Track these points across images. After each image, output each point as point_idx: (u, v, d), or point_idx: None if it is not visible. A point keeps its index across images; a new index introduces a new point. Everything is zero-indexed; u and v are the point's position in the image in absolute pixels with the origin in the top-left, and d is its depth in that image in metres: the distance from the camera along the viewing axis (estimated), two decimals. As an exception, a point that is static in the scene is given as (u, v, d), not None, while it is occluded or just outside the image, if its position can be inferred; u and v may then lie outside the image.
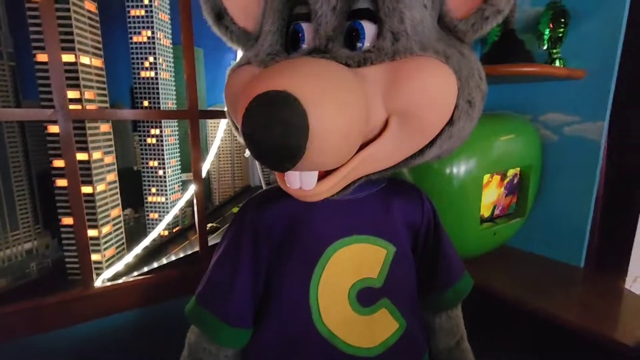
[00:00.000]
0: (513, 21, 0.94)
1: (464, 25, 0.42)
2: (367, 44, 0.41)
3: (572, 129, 0.96)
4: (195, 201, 0.93)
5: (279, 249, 0.49)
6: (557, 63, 0.91)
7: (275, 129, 0.31)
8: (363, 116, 0.36)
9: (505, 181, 0.97)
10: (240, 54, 0.52)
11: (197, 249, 0.98)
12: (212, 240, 0.98)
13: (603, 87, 0.88)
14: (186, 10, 0.84)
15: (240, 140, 0.50)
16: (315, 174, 0.39)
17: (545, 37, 0.90)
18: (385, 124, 0.40)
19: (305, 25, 0.43)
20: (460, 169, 0.85)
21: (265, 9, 0.47)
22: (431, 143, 0.42)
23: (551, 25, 0.89)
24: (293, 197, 0.43)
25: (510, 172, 0.97)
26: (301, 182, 0.39)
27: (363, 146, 0.40)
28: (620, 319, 0.78)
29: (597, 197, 0.95)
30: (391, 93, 0.38)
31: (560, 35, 0.89)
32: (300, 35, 0.43)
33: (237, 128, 0.48)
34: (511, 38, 0.93)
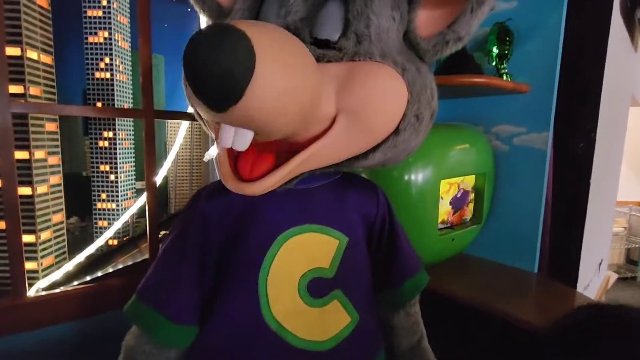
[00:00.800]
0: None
1: (426, 44, 0.44)
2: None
3: (520, 139, 1.02)
4: (147, 201, 0.87)
5: (230, 239, 0.47)
6: (505, 77, 0.97)
7: (221, 53, 0.28)
8: (309, 91, 0.35)
9: (449, 197, 1.00)
10: None
11: (147, 256, 0.91)
12: (164, 247, 0.90)
13: (546, 100, 0.95)
14: (144, 3, 0.79)
15: (204, 128, 0.48)
16: (250, 135, 0.35)
17: (493, 54, 0.97)
18: (332, 122, 0.40)
19: (275, 8, 0.43)
20: (418, 175, 0.87)
21: None
22: (375, 148, 0.44)
23: (498, 43, 0.95)
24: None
25: (454, 189, 1.00)
26: (234, 140, 0.36)
27: (308, 143, 0.40)
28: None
29: (546, 204, 1.00)
30: (344, 90, 0.39)
31: (506, 52, 0.96)
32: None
33: (200, 116, 0.46)
34: (462, 53, 0.99)
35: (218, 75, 0.29)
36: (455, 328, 0.90)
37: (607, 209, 1.68)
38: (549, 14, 0.93)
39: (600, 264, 1.55)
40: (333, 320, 0.49)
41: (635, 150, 3.07)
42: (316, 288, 0.48)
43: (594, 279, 1.40)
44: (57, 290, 0.79)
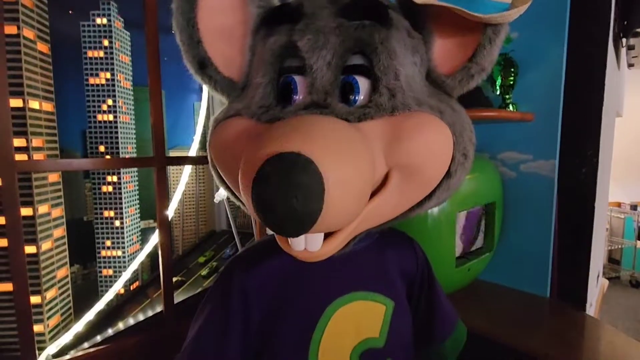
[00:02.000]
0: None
1: (452, 81, 0.44)
2: (361, 98, 0.41)
3: (527, 166, 1.03)
4: (160, 253, 0.84)
5: (272, 312, 0.45)
6: (510, 107, 0.99)
7: (293, 196, 0.29)
8: (372, 175, 0.36)
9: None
10: (206, 94, 0.49)
11: (159, 309, 0.87)
12: (177, 297, 0.87)
13: (551, 128, 0.97)
14: (154, 57, 0.81)
15: (228, 193, 0.48)
16: (322, 235, 0.37)
17: (498, 84, 0.99)
18: (386, 178, 0.39)
19: (298, 78, 0.42)
20: (434, 208, 0.85)
21: (253, 60, 0.46)
22: (430, 195, 0.43)
23: (502, 74, 0.97)
24: (285, 253, 0.39)
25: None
26: (307, 244, 0.36)
27: None
28: (595, 351, 0.82)
29: (555, 230, 0.99)
30: (392, 148, 0.38)
31: (511, 82, 0.99)
32: (292, 87, 0.42)
33: (222, 181, 0.47)
34: None
35: (292, 215, 0.30)
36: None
37: (602, 221, 1.68)
38: (551, 44, 0.97)
39: (597, 276, 1.53)
40: None
41: (615, 155, 3.15)
42: (369, 357, 0.46)
43: (595, 293, 1.37)
44: (67, 357, 0.75)
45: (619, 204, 4.00)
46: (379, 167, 0.38)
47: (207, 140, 0.47)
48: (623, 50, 1.54)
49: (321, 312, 0.44)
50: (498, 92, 1.01)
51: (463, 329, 0.57)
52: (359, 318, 0.46)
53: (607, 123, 1.34)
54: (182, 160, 0.91)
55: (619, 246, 3.66)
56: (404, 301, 0.50)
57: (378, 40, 0.40)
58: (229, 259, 0.52)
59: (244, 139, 0.40)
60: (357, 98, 0.41)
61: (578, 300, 1.01)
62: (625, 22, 1.18)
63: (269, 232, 0.48)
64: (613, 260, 3.77)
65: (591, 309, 1.24)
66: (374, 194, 0.39)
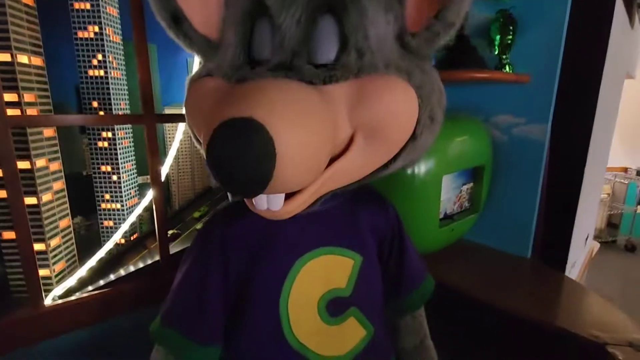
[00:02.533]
0: (466, 26, 0.99)
1: (416, 43, 0.43)
2: (327, 58, 0.41)
3: (520, 130, 1.03)
4: (154, 209, 0.89)
5: (249, 263, 0.49)
6: (507, 68, 0.97)
7: (242, 158, 0.31)
8: (330, 138, 0.37)
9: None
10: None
11: (157, 258, 0.94)
12: (173, 248, 0.94)
13: (546, 91, 0.96)
14: (137, 7, 0.80)
15: (202, 152, 0.50)
16: (282, 195, 0.39)
17: (496, 43, 0.96)
18: (351, 140, 0.41)
19: (267, 37, 0.43)
20: (420, 169, 0.88)
21: (226, 17, 0.46)
22: (395, 157, 0.44)
23: (501, 32, 0.94)
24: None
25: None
26: (268, 203, 0.39)
27: (330, 162, 0.41)
28: (562, 307, 0.88)
29: (542, 192, 1.02)
30: (357, 110, 0.39)
31: (509, 42, 0.95)
32: (263, 47, 0.43)
33: (197, 139, 0.48)
34: (465, 44, 0.98)
35: (244, 178, 0.32)
36: (453, 317, 0.93)
37: (597, 186, 1.71)
38: (554, 3, 0.92)
39: (586, 238, 1.58)
40: (350, 335, 0.52)
41: (623, 119, 3.13)
42: (334, 307, 0.50)
43: (580, 256, 1.44)
44: (73, 298, 0.82)
45: (625, 169, 4.02)
46: (342, 129, 0.39)
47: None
48: (640, 8, 1.49)
49: (291, 264, 0.48)
50: (496, 52, 0.99)
51: (430, 284, 0.63)
52: (328, 270, 0.50)
53: (610, 86, 1.33)
54: (172, 118, 0.93)
55: (619, 211, 3.74)
56: (373, 256, 0.55)
57: None
58: None
59: (212, 100, 0.41)
60: (324, 57, 0.41)
61: (558, 262, 1.07)
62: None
63: None
64: (612, 224, 3.85)
65: (573, 270, 1.31)
66: (339, 155, 0.41)
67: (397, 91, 0.40)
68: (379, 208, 0.57)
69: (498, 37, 0.96)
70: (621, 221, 3.74)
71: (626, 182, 3.73)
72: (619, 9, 1.11)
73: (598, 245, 2.14)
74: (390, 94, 0.40)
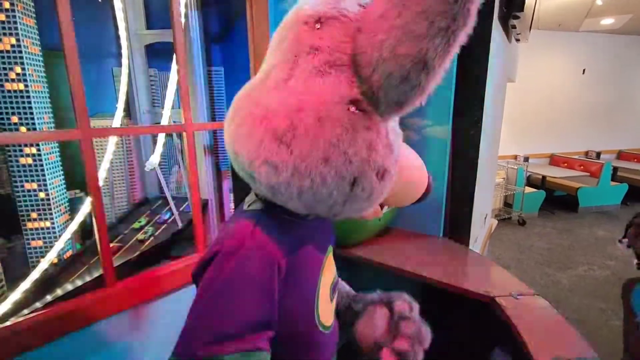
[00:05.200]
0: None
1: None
2: None
3: (428, 130, 1.16)
4: (95, 221, 0.84)
5: (291, 269, 0.47)
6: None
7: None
8: None
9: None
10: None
11: (96, 274, 0.88)
12: (115, 262, 0.89)
13: (446, 99, 1.09)
14: (67, 21, 0.75)
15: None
16: None
17: None
18: None
19: None
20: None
21: None
22: None
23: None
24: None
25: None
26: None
27: None
28: (467, 273, 1.04)
29: (447, 182, 1.17)
30: None
31: None
32: None
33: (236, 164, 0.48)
34: None
35: None
36: (386, 288, 1.04)
37: (492, 172, 1.96)
38: None
39: (485, 218, 1.82)
40: (333, 307, 0.62)
41: (510, 115, 3.64)
42: (334, 289, 0.62)
43: (481, 232, 1.65)
44: (9, 323, 0.73)
45: (515, 157, 4.61)
46: None
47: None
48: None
49: (322, 261, 0.56)
50: None
51: None
52: (332, 263, 0.61)
53: (498, 87, 1.54)
54: (109, 132, 0.88)
55: (512, 192, 4.27)
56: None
57: None
58: (165, 222, 0.56)
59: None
60: None
61: (462, 237, 1.23)
62: (505, 9, 1.37)
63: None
64: (507, 204, 4.39)
65: (476, 244, 1.49)
66: None
67: None
68: None
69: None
70: (514, 200, 4.28)
71: (516, 168, 4.24)
72: (497, 27, 1.29)
73: (496, 222, 2.44)
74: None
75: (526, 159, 4.37)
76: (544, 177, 4.59)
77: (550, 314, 0.81)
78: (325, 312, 0.55)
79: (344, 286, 0.72)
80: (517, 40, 1.85)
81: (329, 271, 0.58)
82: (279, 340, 0.45)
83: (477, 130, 1.16)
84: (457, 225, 1.21)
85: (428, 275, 0.96)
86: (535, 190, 4.40)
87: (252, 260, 0.42)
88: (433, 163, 1.17)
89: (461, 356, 1.01)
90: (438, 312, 0.98)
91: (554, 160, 5.14)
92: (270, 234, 0.45)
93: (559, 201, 4.73)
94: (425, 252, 1.12)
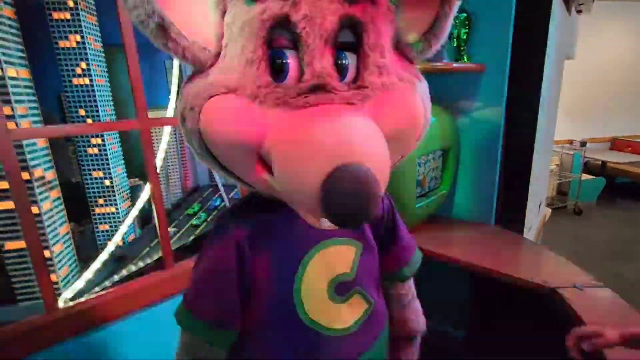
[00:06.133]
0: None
1: (415, 50, 0.44)
2: (349, 75, 0.41)
3: (479, 113, 1.08)
4: (154, 207, 0.89)
5: (262, 256, 0.49)
6: (465, 59, 1.01)
7: (361, 206, 0.33)
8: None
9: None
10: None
11: (155, 257, 0.94)
12: (173, 244, 0.93)
13: (499, 78, 1.01)
14: (127, 20, 0.78)
15: (219, 172, 0.48)
16: None
17: (454, 37, 1.00)
18: None
19: (290, 55, 0.39)
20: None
21: (232, 25, 0.39)
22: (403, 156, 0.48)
23: (458, 27, 0.99)
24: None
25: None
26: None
27: None
28: (521, 263, 0.97)
29: (500, 167, 1.08)
30: (384, 124, 0.39)
31: (465, 36, 0.99)
32: (285, 64, 0.39)
33: (213, 160, 0.44)
34: None
35: (359, 219, 0.35)
36: (437, 281, 0.98)
37: (546, 158, 1.80)
38: (501, 1, 0.97)
39: (539, 205, 1.68)
40: (355, 309, 0.55)
41: (567, 96, 3.29)
42: (341, 289, 0.53)
43: (535, 220, 1.53)
44: (83, 299, 0.81)
45: (570, 142, 4.20)
46: None
47: (180, 114, 0.42)
48: (575, -2, 1.56)
49: (303, 255, 0.50)
50: (455, 44, 1.03)
51: (419, 256, 0.66)
52: (334, 258, 0.52)
53: (555, 66, 1.40)
54: (164, 122, 0.92)
55: (567, 179, 3.92)
56: (370, 241, 0.57)
57: (369, 18, 0.39)
58: (216, 208, 0.56)
59: (254, 126, 0.38)
60: (346, 76, 0.40)
61: (516, 226, 1.14)
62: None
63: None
64: (562, 192, 4.03)
65: (530, 233, 1.39)
66: None
67: (415, 103, 0.42)
68: None
69: (456, 31, 1.00)
70: (569, 188, 3.93)
71: (571, 153, 3.89)
72: (557, 1, 1.16)
73: (550, 211, 2.25)
74: (410, 106, 0.42)
75: (583, 144, 3.97)
76: (604, 162, 4.17)
77: (622, 307, 0.74)
78: (325, 312, 0.52)
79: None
80: (579, 12, 1.66)
81: (325, 267, 0.51)
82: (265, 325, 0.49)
83: (533, 111, 1.06)
84: (511, 213, 1.13)
85: (479, 263, 0.90)
86: (593, 177, 4.01)
87: (214, 236, 0.50)
88: (484, 148, 1.09)
89: (515, 351, 0.95)
90: (489, 304, 0.93)
91: (616, 144, 4.64)
92: (234, 215, 0.51)
93: (621, 189, 4.29)
94: (475, 240, 1.06)
